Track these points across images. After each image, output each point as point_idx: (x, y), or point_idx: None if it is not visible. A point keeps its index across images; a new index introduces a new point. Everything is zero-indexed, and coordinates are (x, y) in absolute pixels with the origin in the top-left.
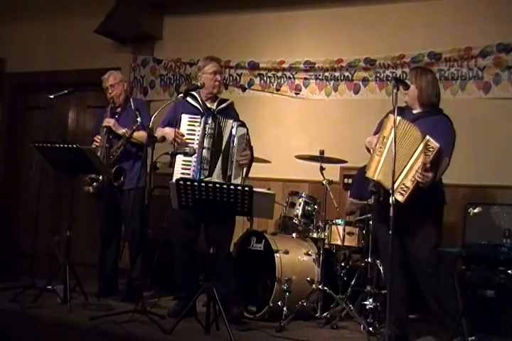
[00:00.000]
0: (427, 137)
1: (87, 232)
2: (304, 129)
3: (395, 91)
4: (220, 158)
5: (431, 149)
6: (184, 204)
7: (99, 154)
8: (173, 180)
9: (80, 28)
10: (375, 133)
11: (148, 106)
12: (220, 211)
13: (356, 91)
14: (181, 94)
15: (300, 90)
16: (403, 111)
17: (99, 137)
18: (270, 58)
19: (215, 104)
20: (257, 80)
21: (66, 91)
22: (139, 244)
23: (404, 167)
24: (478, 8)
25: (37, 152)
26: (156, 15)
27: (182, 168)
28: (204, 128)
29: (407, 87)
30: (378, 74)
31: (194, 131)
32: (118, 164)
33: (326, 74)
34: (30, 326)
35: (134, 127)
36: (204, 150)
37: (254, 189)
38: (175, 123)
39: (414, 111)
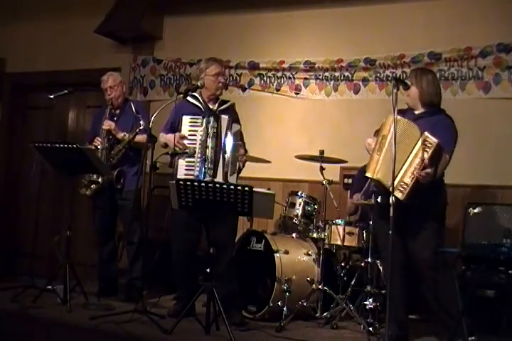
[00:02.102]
0: (425, 133)
1: (87, 232)
2: (304, 129)
3: (395, 91)
4: (221, 157)
5: (429, 145)
6: (184, 204)
7: (99, 155)
8: None
9: (80, 28)
10: (375, 135)
11: (148, 106)
12: (220, 211)
13: (356, 92)
14: (181, 94)
15: (300, 90)
16: (405, 113)
17: (100, 139)
18: (270, 58)
19: (217, 104)
20: (257, 80)
21: (66, 91)
22: (138, 244)
23: (404, 164)
24: (478, 8)
25: (37, 152)
26: (156, 15)
27: (186, 168)
28: (207, 127)
29: (407, 87)
30: (378, 74)
31: (196, 131)
32: (120, 167)
33: (326, 74)
34: (30, 326)
35: (137, 130)
36: (208, 150)
37: (254, 189)
38: (177, 125)
39: (416, 112)
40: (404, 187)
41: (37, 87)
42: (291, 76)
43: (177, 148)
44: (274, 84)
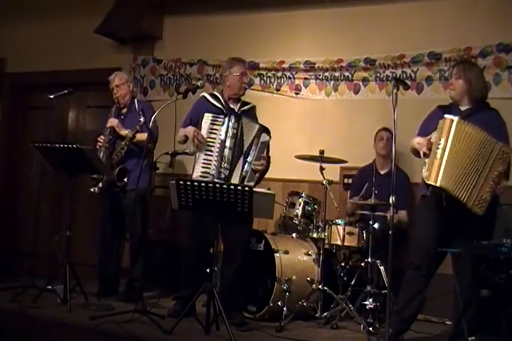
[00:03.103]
0: (500, 143)
1: (87, 232)
2: (304, 129)
3: (395, 91)
4: (241, 160)
5: (505, 156)
6: (184, 204)
7: (101, 154)
8: (193, 177)
9: (80, 28)
10: (421, 134)
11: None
12: (220, 211)
13: (356, 92)
14: (181, 94)
15: (300, 90)
16: (449, 109)
17: (103, 137)
18: (270, 58)
19: (238, 105)
20: (257, 80)
21: (66, 91)
22: (139, 245)
23: (478, 176)
24: (478, 8)
25: (37, 152)
26: (156, 15)
27: (202, 166)
28: (227, 127)
29: (407, 87)
30: (378, 74)
31: (216, 130)
32: (122, 164)
33: (326, 74)
34: (30, 326)
35: (138, 127)
36: (226, 150)
37: (254, 189)
38: (196, 121)
39: (462, 108)
40: (483, 204)
41: (37, 87)
42: (291, 76)
43: (197, 141)
44: (274, 84)
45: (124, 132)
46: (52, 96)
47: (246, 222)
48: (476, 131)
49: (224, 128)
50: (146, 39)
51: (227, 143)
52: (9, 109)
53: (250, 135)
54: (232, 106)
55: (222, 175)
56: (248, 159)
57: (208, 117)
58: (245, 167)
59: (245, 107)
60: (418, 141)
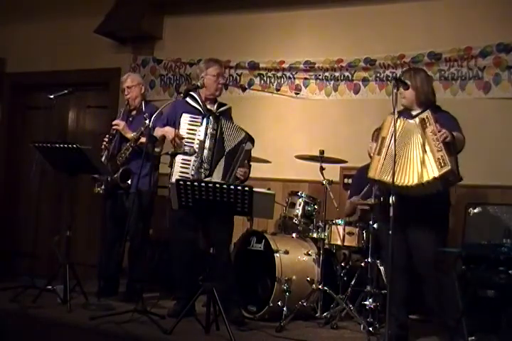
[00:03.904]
0: (417, 117)
1: (87, 232)
2: (304, 129)
3: (395, 91)
4: (223, 160)
5: (426, 119)
6: (184, 204)
7: (105, 154)
8: (172, 179)
9: (80, 28)
10: (373, 135)
11: None
12: (220, 211)
13: (356, 92)
14: (181, 94)
15: (300, 90)
16: (402, 114)
17: (107, 138)
18: (270, 58)
19: (215, 106)
20: (257, 80)
21: (66, 91)
22: (140, 245)
23: (424, 154)
24: (478, 8)
25: (37, 152)
26: (156, 15)
27: (181, 166)
28: (206, 128)
29: (406, 87)
30: (378, 74)
31: (195, 130)
32: (126, 166)
33: (326, 74)
34: (30, 326)
35: (143, 129)
36: (205, 151)
37: (254, 189)
38: (173, 122)
39: (414, 113)
40: (441, 160)
41: (37, 87)
42: (291, 76)
43: (175, 142)
44: (274, 84)
45: (129, 135)
46: (52, 96)
47: (229, 222)
48: (407, 122)
49: (203, 129)
50: (146, 39)
51: (207, 144)
52: (9, 109)
53: (235, 139)
54: (209, 106)
55: (203, 175)
56: (234, 165)
57: (185, 117)
58: (228, 171)
59: (222, 108)
60: (370, 145)
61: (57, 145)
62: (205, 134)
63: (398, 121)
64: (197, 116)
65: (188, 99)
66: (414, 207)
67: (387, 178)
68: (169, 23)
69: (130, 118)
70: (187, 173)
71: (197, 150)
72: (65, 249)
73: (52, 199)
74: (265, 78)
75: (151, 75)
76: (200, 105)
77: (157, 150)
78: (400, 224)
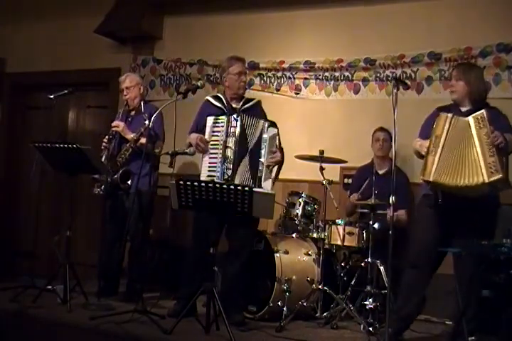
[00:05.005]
0: (470, 116)
1: (87, 232)
2: (304, 129)
3: (395, 91)
4: (247, 159)
5: (481, 119)
6: (184, 204)
7: (105, 155)
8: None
9: (80, 28)
10: (422, 136)
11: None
12: (220, 211)
13: (356, 92)
14: (181, 94)
15: (300, 90)
16: (450, 110)
17: (106, 139)
18: (270, 58)
19: (240, 103)
20: (257, 80)
21: (66, 91)
22: (140, 246)
23: (476, 154)
24: (478, 8)
25: (37, 152)
26: (156, 15)
27: (209, 169)
28: (227, 127)
29: (406, 87)
30: (378, 74)
31: (218, 131)
32: (126, 167)
33: (326, 74)
34: (30, 326)
35: (142, 130)
36: (228, 150)
37: (254, 189)
38: (202, 126)
39: (463, 109)
40: (492, 167)
41: (37, 87)
42: (291, 76)
43: (199, 148)
44: (274, 84)
45: (129, 136)
46: (52, 96)
47: (252, 223)
48: (463, 121)
49: (224, 128)
50: (146, 39)
51: (229, 143)
52: (9, 109)
53: (256, 132)
54: (234, 105)
55: (226, 176)
56: (262, 159)
57: (209, 120)
58: (259, 167)
59: (248, 104)
60: (420, 143)
61: (57, 146)
62: (226, 133)
63: (451, 120)
64: (220, 117)
65: (211, 100)
66: (465, 210)
67: (446, 179)
68: (169, 23)
69: (129, 119)
70: (214, 176)
71: (219, 150)
72: (65, 249)
73: (52, 199)
74: (265, 78)
75: (151, 75)
76: (224, 105)
77: (157, 150)
78: (445, 229)
